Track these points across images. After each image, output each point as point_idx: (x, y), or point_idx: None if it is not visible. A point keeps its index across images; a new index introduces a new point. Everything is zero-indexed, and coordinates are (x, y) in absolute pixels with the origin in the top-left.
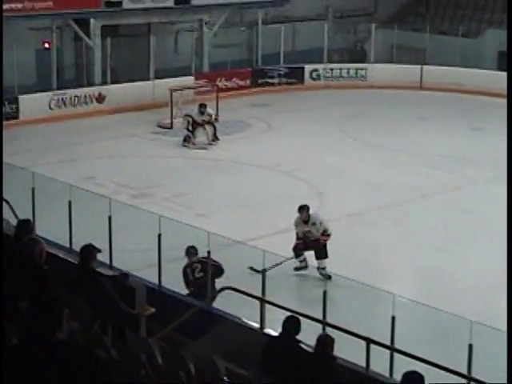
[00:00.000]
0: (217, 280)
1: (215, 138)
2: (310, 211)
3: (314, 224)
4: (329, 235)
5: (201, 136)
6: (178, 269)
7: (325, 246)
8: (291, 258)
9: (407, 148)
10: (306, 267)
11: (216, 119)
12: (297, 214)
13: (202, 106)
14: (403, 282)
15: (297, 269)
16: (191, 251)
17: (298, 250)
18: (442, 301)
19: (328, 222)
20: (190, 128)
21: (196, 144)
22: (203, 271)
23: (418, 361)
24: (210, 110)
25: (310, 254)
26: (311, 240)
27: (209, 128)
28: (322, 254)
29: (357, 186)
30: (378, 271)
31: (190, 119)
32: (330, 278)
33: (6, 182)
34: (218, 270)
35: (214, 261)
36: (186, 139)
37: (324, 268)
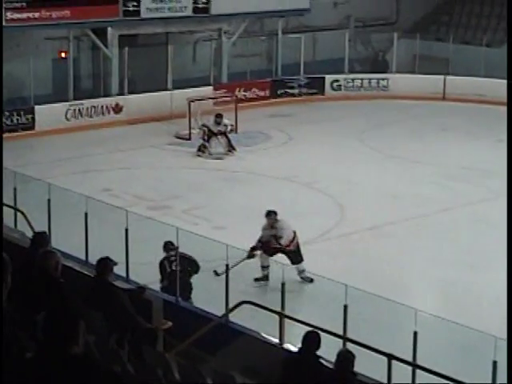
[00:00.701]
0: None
1: (232, 147)
2: (282, 218)
3: (276, 229)
4: (293, 241)
5: (216, 146)
6: (196, 282)
7: (297, 250)
8: (248, 258)
9: (429, 160)
10: (267, 278)
11: (232, 130)
12: (316, 226)
13: (218, 117)
14: (425, 296)
15: (257, 279)
16: (169, 246)
17: (252, 252)
18: (465, 316)
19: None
20: (206, 138)
21: (212, 154)
22: (180, 265)
23: (441, 378)
24: (226, 120)
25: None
26: (278, 247)
27: (223, 139)
28: (296, 258)
29: (378, 198)
30: (400, 285)
31: (206, 129)
32: (311, 281)
33: (22, 193)
34: (195, 266)
35: (191, 257)
36: (201, 149)
37: (303, 271)
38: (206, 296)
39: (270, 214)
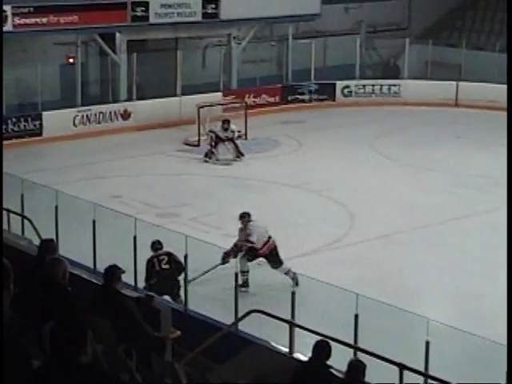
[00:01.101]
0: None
1: (240, 153)
2: (256, 221)
3: (246, 230)
4: (266, 244)
5: (224, 152)
6: (206, 291)
7: (273, 254)
8: (219, 264)
9: (442, 167)
10: (247, 285)
11: (239, 136)
12: (326, 234)
13: (226, 123)
14: (437, 305)
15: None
16: (156, 245)
17: (226, 257)
18: (477, 326)
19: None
20: (213, 144)
21: (220, 160)
22: (169, 263)
23: None
24: (233, 126)
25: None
26: (248, 247)
27: (230, 145)
28: (274, 263)
29: (389, 207)
30: (411, 294)
31: (214, 135)
32: (297, 284)
33: (29, 200)
34: (181, 268)
35: (177, 256)
36: (208, 154)
37: (287, 272)
38: (215, 304)
39: (244, 216)
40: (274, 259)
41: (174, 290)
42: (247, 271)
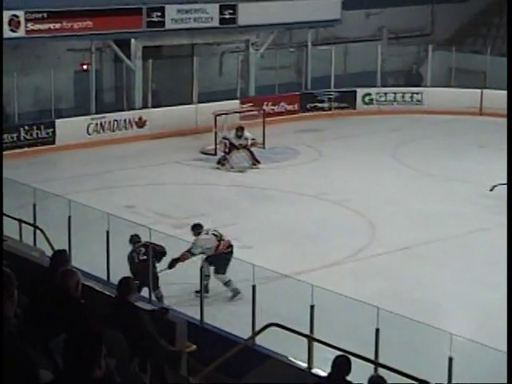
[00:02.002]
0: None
1: (256, 161)
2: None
3: (192, 243)
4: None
5: (238, 159)
6: (222, 304)
7: (225, 259)
8: (169, 268)
9: (465, 177)
10: (206, 291)
11: (253, 144)
12: (347, 245)
13: (240, 130)
14: (461, 320)
15: (198, 292)
16: (135, 239)
17: (174, 263)
18: (502, 341)
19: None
20: (227, 151)
21: (234, 167)
22: (146, 254)
23: None
24: (247, 133)
25: None
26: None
27: (245, 152)
28: (219, 267)
29: (411, 218)
30: (434, 308)
31: (227, 142)
32: (235, 294)
33: (41, 210)
34: (160, 253)
35: (157, 244)
36: (221, 161)
37: (227, 283)
38: (231, 318)
39: (194, 228)
40: (222, 264)
41: (151, 282)
42: (208, 275)
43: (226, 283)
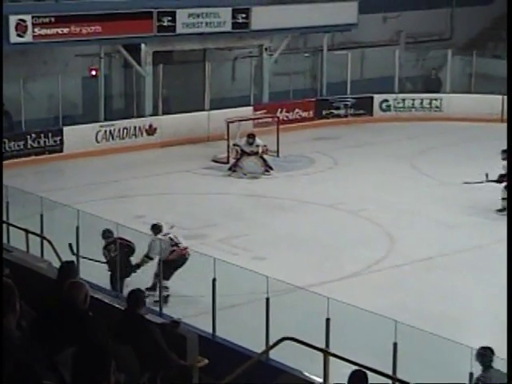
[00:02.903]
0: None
1: (268, 167)
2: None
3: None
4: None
5: (250, 166)
6: (235, 317)
7: (173, 266)
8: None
9: (485, 186)
10: (154, 289)
11: (264, 151)
12: (364, 257)
13: (251, 137)
14: (482, 334)
15: (148, 289)
16: (107, 234)
17: (135, 267)
18: None
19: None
20: (238, 157)
21: (246, 174)
22: (119, 251)
23: None
24: (258, 140)
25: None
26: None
27: (257, 159)
28: (165, 271)
29: (430, 228)
30: (454, 322)
31: (238, 148)
32: (165, 300)
33: (49, 220)
34: (131, 249)
35: (127, 240)
36: (232, 168)
37: (165, 287)
38: (244, 331)
39: (152, 228)
40: (169, 271)
41: (125, 276)
42: (166, 287)
43: (165, 287)
